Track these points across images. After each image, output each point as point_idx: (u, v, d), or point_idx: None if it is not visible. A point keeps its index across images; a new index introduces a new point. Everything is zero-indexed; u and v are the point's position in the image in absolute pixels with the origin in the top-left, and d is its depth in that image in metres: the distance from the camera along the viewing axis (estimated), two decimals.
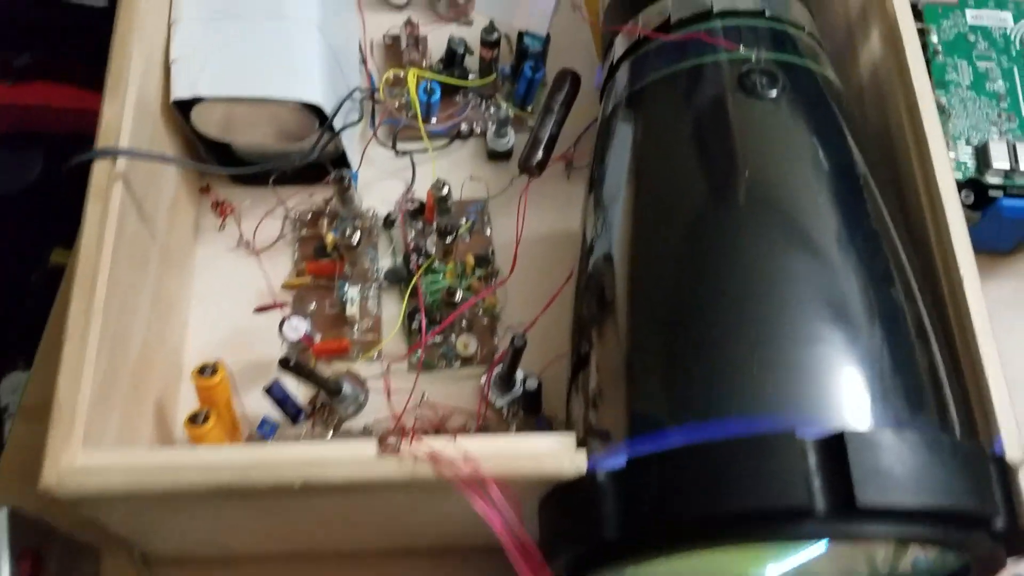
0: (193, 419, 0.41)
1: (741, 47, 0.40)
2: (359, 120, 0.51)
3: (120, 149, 0.40)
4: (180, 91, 0.45)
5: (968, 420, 0.35)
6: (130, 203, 0.41)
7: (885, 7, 0.45)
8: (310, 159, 0.48)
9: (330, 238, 0.50)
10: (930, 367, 0.35)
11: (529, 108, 0.56)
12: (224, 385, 0.43)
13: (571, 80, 0.50)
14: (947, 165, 0.40)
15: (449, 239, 0.48)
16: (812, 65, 0.42)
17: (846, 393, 0.32)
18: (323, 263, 0.50)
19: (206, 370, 0.42)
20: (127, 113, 0.41)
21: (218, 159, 0.51)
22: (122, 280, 0.40)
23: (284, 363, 0.41)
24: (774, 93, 0.39)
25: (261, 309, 0.45)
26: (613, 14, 0.48)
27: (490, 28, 0.53)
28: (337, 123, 0.49)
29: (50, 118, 0.92)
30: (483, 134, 0.56)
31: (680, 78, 0.41)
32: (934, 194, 0.39)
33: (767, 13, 0.42)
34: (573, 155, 0.54)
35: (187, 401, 0.46)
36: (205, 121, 0.48)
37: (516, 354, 0.44)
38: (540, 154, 0.50)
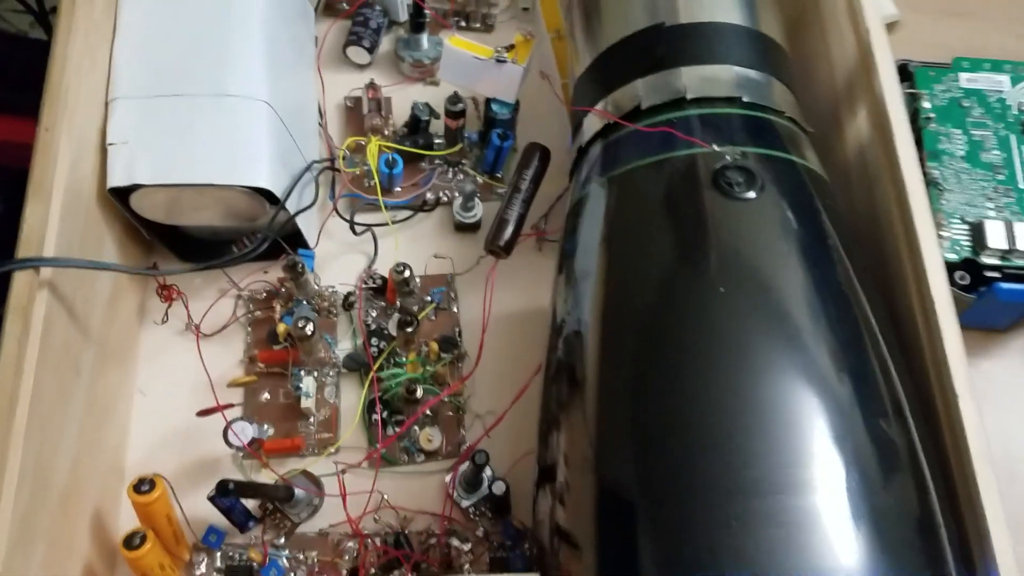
0: (128, 542, 0.38)
1: (715, 145, 0.37)
2: (314, 201, 0.48)
3: (44, 258, 0.37)
4: (117, 179, 0.42)
5: (962, 547, 0.33)
6: (58, 310, 0.38)
7: (872, 85, 0.42)
8: (264, 247, 0.45)
9: (282, 327, 0.46)
10: (923, 503, 0.32)
11: (499, 175, 0.53)
12: (163, 500, 0.40)
13: (540, 155, 0.47)
14: (942, 277, 0.37)
15: (410, 329, 0.45)
16: (793, 156, 0.38)
17: (832, 549, 0.29)
18: (276, 351, 0.47)
19: (143, 485, 0.39)
20: (53, 213, 0.38)
21: (163, 237, 0.48)
22: (48, 399, 0.37)
23: (223, 490, 0.37)
24: (752, 194, 0.36)
25: (204, 413, 0.42)
26: (582, 92, 0.44)
27: (454, 98, 0.50)
28: (291, 205, 0.46)
29: (9, 153, 0.89)
30: (450, 203, 0.53)
31: (653, 172, 0.38)
32: (928, 306, 0.36)
33: (744, 99, 0.39)
34: (544, 231, 0.51)
35: (130, 505, 0.43)
36: (147, 206, 0.44)
37: (478, 469, 0.41)
38: (508, 235, 0.46)
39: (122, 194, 0.43)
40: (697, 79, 0.40)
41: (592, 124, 0.43)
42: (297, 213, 0.46)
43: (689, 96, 0.39)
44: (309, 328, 0.45)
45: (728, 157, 0.36)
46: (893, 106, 0.40)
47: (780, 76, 0.41)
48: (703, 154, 0.37)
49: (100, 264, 0.41)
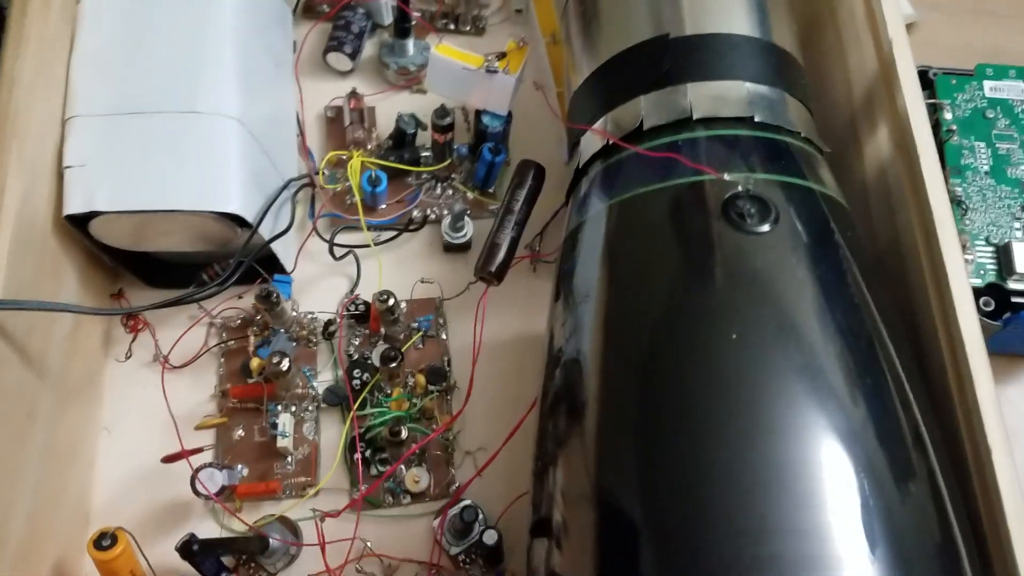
0: None
1: (725, 174, 0.33)
2: (290, 225, 0.44)
3: None
4: (74, 206, 0.39)
5: None
6: (8, 353, 0.35)
7: (894, 100, 0.39)
8: (236, 276, 0.42)
9: (256, 362, 0.43)
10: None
11: (491, 190, 0.50)
12: (126, 556, 0.37)
13: (534, 174, 0.44)
14: (971, 310, 0.33)
15: (393, 364, 0.42)
16: (810, 182, 0.35)
17: None
18: (250, 385, 0.44)
19: (104, 540, 0.36)
20: (1, 248, 0.35)
21: (129, 263, 0.45)
22: None
23: (187, 550, 0.34)
24: (766, 227, 0.32)
25: (170, 459, 0.39)
26: (580, 108, 0.41)
27: (442, 112, 0.46)
28: (266, 227, 0.42)
29: None
30: (438, 221, 0.49)
31: (657, 200, 0.35)
32: (957, 346, 0.33)
33: (756, 119, 0.36)
34: (539, 252, 0.48)
35: None
36: (109, 233, 0.41)
37: (467, 527, 0.37)
38: (499, 260, 0.43)
39: (81, 221, 0.40)
40: (705, 97, 0.36)
41: (591, 143, 0.39)
42: (272, 239, 0.42)
43: (696, 116, 0.36)
44: (284, 364, 0.42)
45: (740, 186, 0.33)
46: (918, 124, 0.37)
47: (794, 92, 0.38)
48: (711, 181, 0.34)
49: (53, 305, 0.37)
